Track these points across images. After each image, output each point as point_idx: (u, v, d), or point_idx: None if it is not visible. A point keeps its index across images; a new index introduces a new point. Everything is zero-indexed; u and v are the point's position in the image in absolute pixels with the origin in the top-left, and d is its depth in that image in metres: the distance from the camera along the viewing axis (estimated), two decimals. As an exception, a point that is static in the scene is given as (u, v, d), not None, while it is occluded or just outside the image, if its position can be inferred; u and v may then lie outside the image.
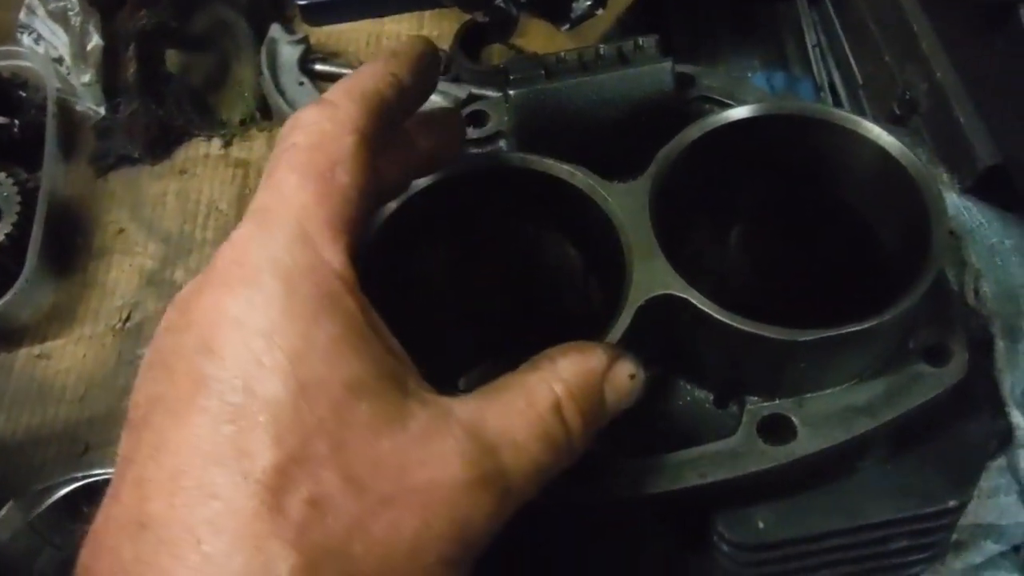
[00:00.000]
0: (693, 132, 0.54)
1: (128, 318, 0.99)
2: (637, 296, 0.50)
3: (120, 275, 1.02)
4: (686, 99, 0.65)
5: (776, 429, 0.53)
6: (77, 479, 0.78)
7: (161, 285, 1.00)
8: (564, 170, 0.56)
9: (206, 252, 1.02)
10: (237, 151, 1.09)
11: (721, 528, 0.57)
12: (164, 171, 1.08)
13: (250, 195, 1.06)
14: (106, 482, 0.78)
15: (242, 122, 1.09)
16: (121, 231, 1.05)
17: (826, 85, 1.05)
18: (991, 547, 0.75)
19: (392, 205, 0.54)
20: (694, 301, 0.49)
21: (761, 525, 0.56)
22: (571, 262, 0.67)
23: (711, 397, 0.55)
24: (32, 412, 0.94)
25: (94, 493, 0.79)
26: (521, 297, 0.69)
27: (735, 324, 0.48)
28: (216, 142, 1.09)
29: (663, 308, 0.50)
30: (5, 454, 0.91)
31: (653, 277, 0.50)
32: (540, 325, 0.68)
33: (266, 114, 1.09)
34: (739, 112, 0.54)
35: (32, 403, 0.94)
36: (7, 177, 0.98)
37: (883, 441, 0.57)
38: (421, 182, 0.55)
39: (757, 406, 0.53)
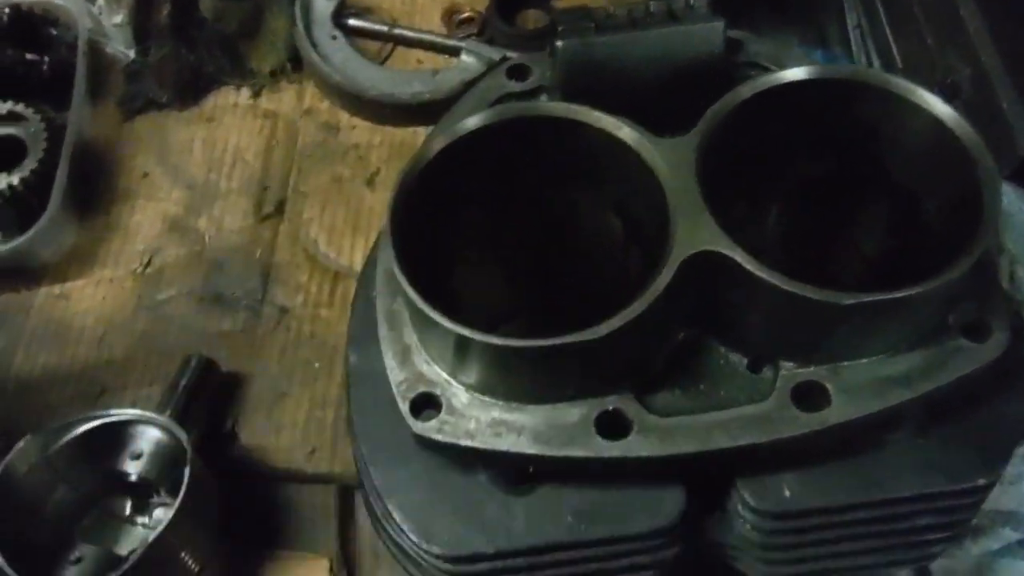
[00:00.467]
0: (745, 91, 0.53)
1: (149, 263, 0.98)
2: (681, 251, 0.49)
3: (143, 219, 1.01)
4: (734, 63, 0.64)
5: (810, 395, 0.52)
6: (94, 418, 0.78)
7: (184, 231, 1.00)
8: (611, 121, 0.55)
9: (231, 201, 1.01)
10: (266, 102, 1.08)
11: (745, 494, 0.56)
12: (192, 117, 1.07)
13: (277, 147, 1.05)
14: (122, 424, 0.78)
15: (272, 73, 1.08)
16: (146, 175, 1.04)
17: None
18: (1009, 534, 0.75)
19: (437, 146, 0.53)
20: (739, 259, 0.48)
21: (787, 493, 0.56)
22: (612, 231, 0.66)
23: (745, 361, 0.55)
24: (50, 352, 0.93)
25: (111, 434, 0.79)
26: (559, 261, 0.69)
27: (779, 284, 0.47)
28: (245, 92, 1.08)
29: (706, 265, 0.50)
30: (22, 392, 0.91)
31: (698, 233, 0.50)
32: (577, 288, 0.68)
33: (297, 66, 1.08)
34: (794, 73, 0.53)
35: (50, 343, 0.94)
36: (35, 113, 0.98)
37: (915, 415, 0.56)
38: (468, 123, 0.54)
39: (792, 372, 0.53)
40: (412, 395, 0.54)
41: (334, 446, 0.85)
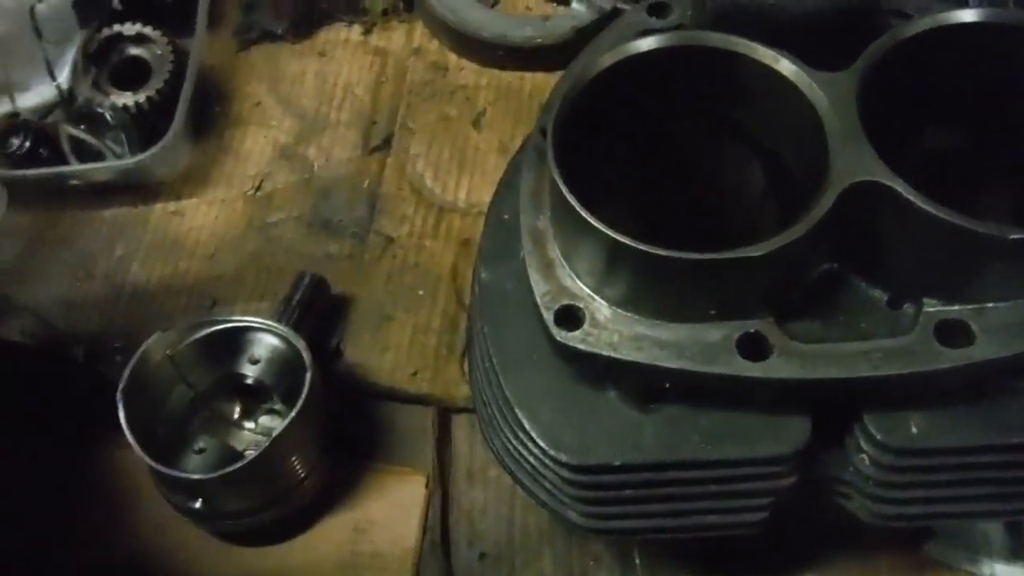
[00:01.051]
0: (909, 29, 0.54)
1: (260, 187, 1.01)
2: (841, 181, 0.50)
3: (254, 146, 1.04)
4: (882, 9, 0.64)
5: (953, 333, 0.53)
6: (217, 322, 0.81)
7: (293, 159, 1.03)
8: (769, 54, 0.56)
9: (339, 133, 1.04)
10: (376, 39, 1.10)
11: (872, 428, 0.57)
12: (304, 51, 1.10)
13: (386, 83, 1.08)
14: (242, 329, 0.82)
15: (384, 11, 1.10)
16: (258, 104, 1.07)
17: None
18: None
19: (606, 61, 0.54)
20: (900, 189, 0.49)
21: (914, 430, 0.57)
22: (753, 184, 0.67)
23: (886, 297, 0.56)
24: (165, 264, 0.97)
25: (231, 338, 0.82)
26: (691, 208, 0.69)
27: (942, 215, 0.48)
28: (357, 28, 1.10)
29: (864, 196, 0.51)
30: (138, 299, 0.95)
31: (858, 164, 0.51)
32: (701, 238, 0.69)
33: (408, 6, 1.10)
34: (963, 15, 0.53)
35: (165, 255, 0.97)
36: (162, 36, 1.01)
37: (1048, 365, 0.57)
38: (638, 45, 0.55)
39: (936, 309, 0.54)
40: (556, 306, 0.56)
41: (436, 370, 0.88)
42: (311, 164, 1.03)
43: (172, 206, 1.01)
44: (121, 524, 0.85)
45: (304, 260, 0.96)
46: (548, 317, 0.56)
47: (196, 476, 0.72)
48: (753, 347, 0.54)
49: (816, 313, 0.56)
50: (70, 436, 0.87)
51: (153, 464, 0.72)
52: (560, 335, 0.55)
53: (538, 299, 0.57)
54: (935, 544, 0.78)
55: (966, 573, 0.78)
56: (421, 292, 0.93)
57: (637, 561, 0.81)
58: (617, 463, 0.58)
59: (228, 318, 0.81)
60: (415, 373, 0.88)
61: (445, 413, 0.88)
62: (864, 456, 0.59)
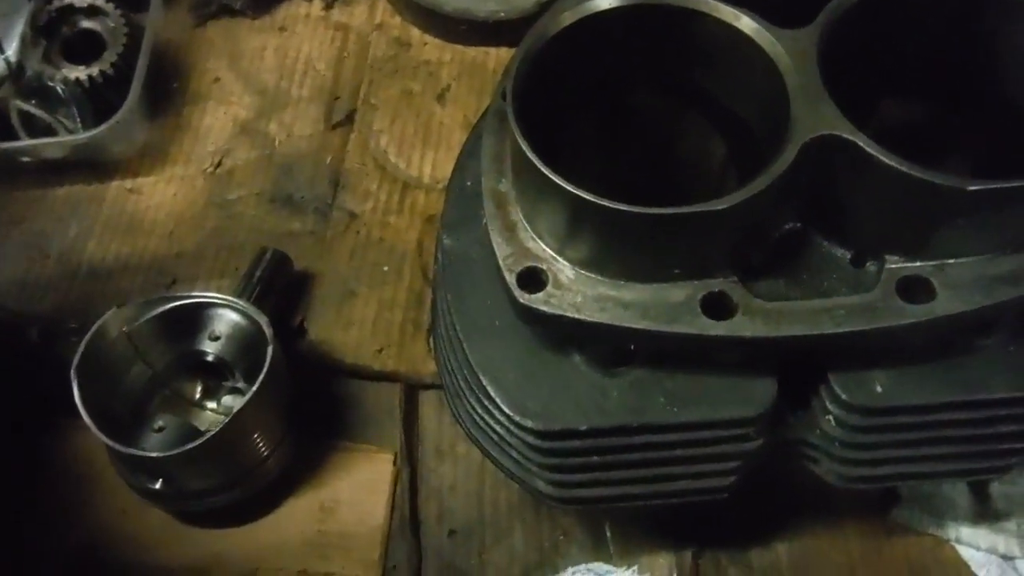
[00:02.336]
0: (868, -15, 0.53)
1: (220, 164, 0.99)
2: (802, 135, 0.50)
3: (214, 122, 1.02)
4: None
5: (915, 289, 0.53)
6: (176, 298, 0.79)
7: (254, 135, 1.00)
8: (729, 12, 0.55)
9: (301, 109, 1.02)
10: (338, 14, 1.08)
11: (837, 388, 0.57)
12: (264, 26, 1.07)
13: (348, 59, 1.06)
14: (202, 305, 0.80)
15: (345, -14, 1.08)
16: (217, 80, 1.04)
17: None
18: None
19: (566, 19, 0.53)
20: (861, 143, 0.49)
21: (878, 389, 0.57)
22: (713, 154, 0.67)
23: (848, 255, 0.56)
24: (122, 242, 0.95)
25: (190, 315, 0.80)
26: (652, 177, 0.69)
27: (903, 168, 0.48)
28: (317, 3, 1.08)
29: (825, 150, 0.50)
30: (94, 278, 0.93)
31: (819, 119, 0.50)
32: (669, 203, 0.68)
33: (370, -20, 1.09)
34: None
35: (122, 233, 0.95)
36: (115, 8, 0.98)
37: (1009, 322, 0.57)
38: (598, 3, 0.54)
39: (898, 266, 0.54)
40: (519, 269, 0.55)
41: (402, 346, 0.87)
42: (272, 140, 1.01)
43: (129, 183, 0.98)
44: (80, 509, 0.82)
45: (266, 237, 0.93)
46: (511, 280, 0.55)
47: (155, 454, 0.70)
48: (717, 306, 0.53)
49: (780, 272, 0.56)
50: (25, 419, 0.85)
51: (110, 443, 0.70)
52: (523, 297, 0.54)
53: (501, 262, 0.56)
54: (901, 509, 0.79)
55: (932, 537, 0.78)
56: (386, 268, 0.91)
57: (608, 533, 0.80)
58: (583, 428, 0.57)
59: (187, 294, 0.79)
60: (380, 350, 0.87)
61: (412, 390, 0.86)
62: (830, 417, 0.59)
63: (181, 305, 0.78)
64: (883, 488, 0.77)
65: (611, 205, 0.48)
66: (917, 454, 0.61)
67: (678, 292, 0.54)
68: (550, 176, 0.49)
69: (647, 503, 0.64)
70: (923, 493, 0.78)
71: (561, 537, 0.80)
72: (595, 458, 0.60)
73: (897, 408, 0.56)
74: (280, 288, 0.86)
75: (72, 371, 0.71)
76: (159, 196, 0.98)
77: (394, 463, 0.82)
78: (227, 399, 0.84)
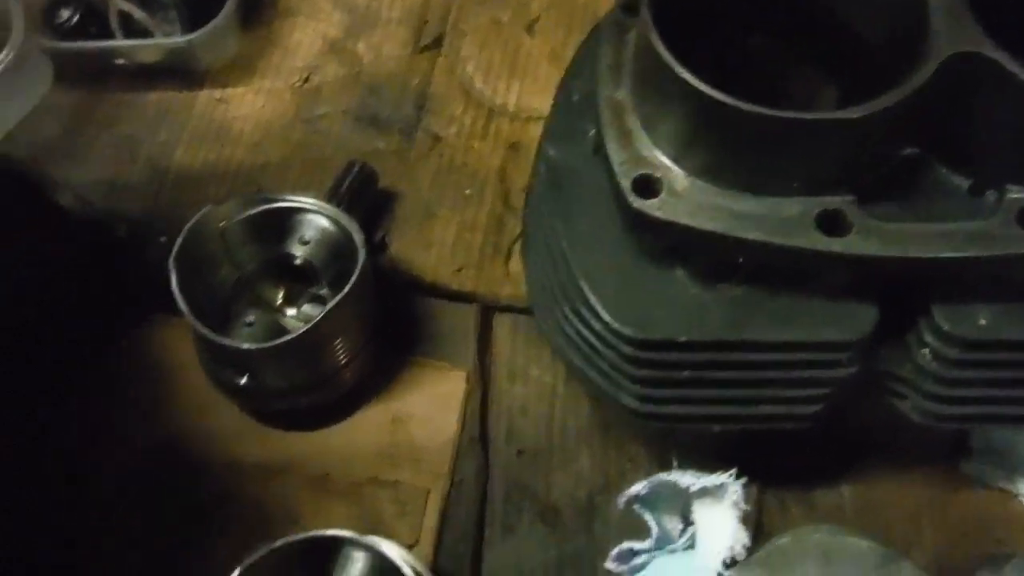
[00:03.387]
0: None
1: (307, 79, 1.00)
2: (941, 52, 0.49)
3: (303, 38, 1.03)
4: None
5: (1036, 220, 0.53)
6: (269, 200, 0.80)
7: (342, 54, 1.01)
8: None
9: (390, 30, 1.02)
10: (430, -61, 1.09)
11: (939, 319, 0.57)
12: (356, -55, 1.08)
13: (438, -17, 1.06)
14: (293, 210, 0.81)
15: (440, -88, 1.08)
16: (308, -4, 1.06)
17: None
18: None
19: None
20: (1004, 63, 0.48)
21: (982, 322, 0.57)
22: (822, 102, 0.66)
23: (967, 184, 0.55)
24: (209, 149, 0.96)
25: (281, 218, 0.81)
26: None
27: (1046, 89, 0.47)
28: (411, -73, 1.09)
29: (963, 69, 0.50)
30: (182, 182, 0.95)
31: (960, 35, 0.50)
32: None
33: (464, -92, 1.08)
34: None
35: (210, 141, 0.96)
36: (211, -84, 0.99)
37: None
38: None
39: (1019, 196, 0.53)
40: (634, 175, 0.56)
41: (480, 268, 0.88)
42: (360, 59, 1.01)
43: (218, 93, 1.00)
44: (160, 405, 0.84)
45: (351, 153, 0.94)
46: (625, 185, 0.55)
47: (246, 346, 0.72)
48: (832, 223, 0.53)
49: (894, 197, 0.55)
50: (110, 315, 0.88)
51: (204, 333, 0.71)
52: (637, 202, 0.55)
53: (616, 168, 0.56)
54: (971, 462, 0.79)
55: (1001, 491, 0.78)
56: (468, 191, 0.92)
57: (675, 463, 0.81)
58: (681, 339, 0.58)
59: (282, 196, 0.80)
60: (459, 270, 0.88)
61: (488, 311, 0.87)
62: (926, 350, 0.59)
63: (275, 208, 0.79)
64: (955, 439, 0.77)
65: (749, 108, 0.48)
66: (1011, 395, 0.61)
67: (793, 207, 0.54)
68: (687, 77, 0.49)
69: (728, 426, 0.65)
70: (996, 447, 0.78)
71: (628, 464, 0.81)
72: (686, 373, 0.60)
73: (1000, 343, 0.56)
74: (366, 202, 0.87)
75: (171, 260, 0.73)
76: (247, 107, 0.99)
77: (467, 381, 0.84)
78: (306, 307, 0.86)
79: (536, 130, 0.95)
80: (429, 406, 0.83)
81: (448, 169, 0.93)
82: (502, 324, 0.87)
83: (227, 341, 0.71)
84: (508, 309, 0.87)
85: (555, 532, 0.78)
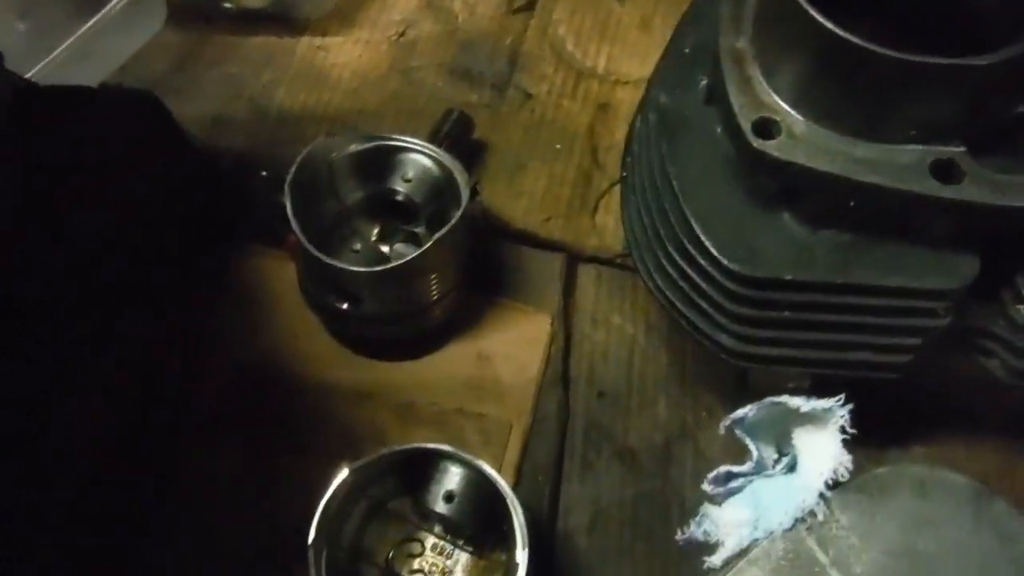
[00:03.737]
0: None
1: (403, 33, 1.04)
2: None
3: (399, -7, 1.07)
4: None
5: None
6: (375, 139, 0.83)
7: (438, 10, 1.05)
8: None
9: (486, -11, 1.06)
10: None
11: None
12: (455, -94, 1.11)
13: (534, -52, 1.09)
14: (398, 149, 0.84)
15: None
16: (405, -47, 1.09)
17: None
18: None
19: None
20: None
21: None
22: None
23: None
24: (309, 93, 1.00)
25: (386, 157, 0.85)
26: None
27: None
28: None
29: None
30: (283, 122, 0.99)
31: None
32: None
33: None
34: None
35: (310, 85, 1.01)
36: None
37: None
38: None
39: None
40: (754, 117, 0.58)
41: (568, 218, 0.91)
42: (455, 16, 1.05)
43: (318, 41, 1.04)
44: (257, 329, 0.88)
45: (444, 104, 0.97)
46: (745, 126, 0.58)
47: (357, 269, 0.75)
48: (945, 171, 0.56)
49: (1006, 152, 0.58)
50: (213, 242, 0.92)
51: (317, 255, 0.75)
52: (757, 142, 0.57)
53: (736, 110, 0.59)
54: (1042, 433, 0.81)
55: (1069, 463, 0.80)
56: (558, 146, 0.95)
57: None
58: (787, 278, 0.60)
59: (388, 136, 0.84)
60: (548, 219, 0.91)
61: (573, 261, 0.91)
62: (1022, 307, 0.62)
63: (381, 145, 0.83)
64: (1027, 408, 0.79)
65: (879, 49, 0.50)
66: (1101, 355, 0.63)
67: (908, 154, 0.56)
68: (817, 17, 0.52)
69: (818, 371, 0.68)
70: (1068, 418, 0.80)
71: (703, 414, 0.84)
72: (787, 314, 0.63)
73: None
74: (462, 148, 0.90)
75: (287, 184, 0.77)
76: (345, 56, 1.03)
77: (551, 324, 0.87)
78: (399, 246, 0.89)
79: (623, 93, 0.99)
80: (514, 346, 0.87)
81: (539, 124, 0.97)
82: (586, 273, 0.90)
83: (339, 263, 0.75)
84: (593, 260, 0.90)
85: (631, 472, 0.81)
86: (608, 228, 0.91)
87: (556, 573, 0.77)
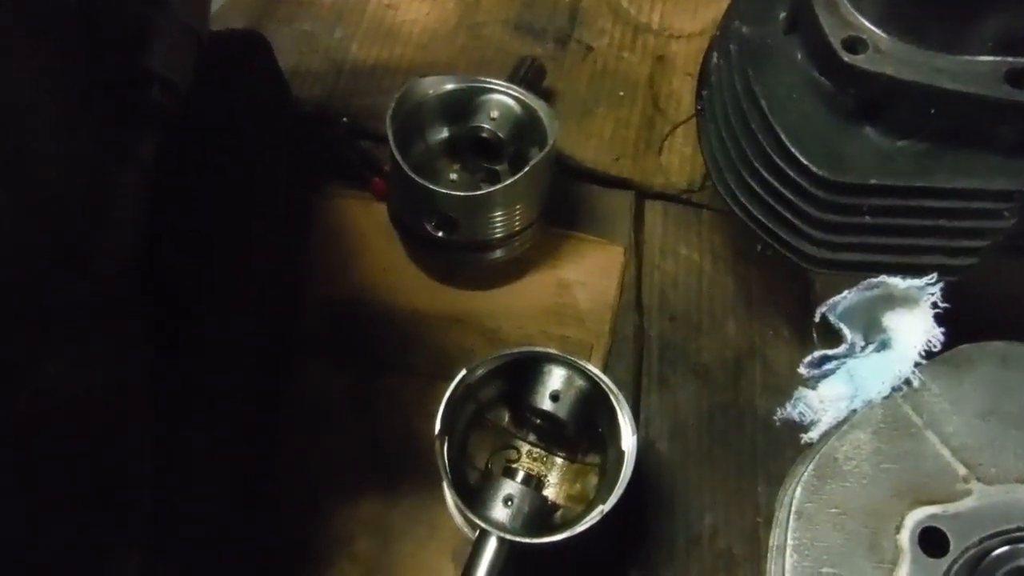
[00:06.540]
0: None
1: (482, -7, 1.10)
2: None
3: (463, -45, 1.13)
4: None
5: None
6: (465, 80, 0.87)
7: (502, -27, 1.11)
8: None
9: (544, -48, 1.12)
10: None
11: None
12: None
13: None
14: (483, 89, 0.89)
15: None
16: (466, -81, 1.15)
17: None
18: None
19: None
20: None
21: None
22: None
23: None
24: (381, 47, 1.06)
25: (471, 98, 0.90)
26: None
27: None
28: None
29: None
30: (357, 73, 1.04)
31: None
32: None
33: None
34: None
35: (381, 40, 1.06)
36: None
37: None
38: None
39: None
40: (843, 36, 0.65)
41: (635, 158, 0.97)
42: (511, -17, 1.11)
43: (386, 0, 1.10)
44: (347, 264, 0.94)
45: (512, 57, 1.03)
46: (836, 44, 0.64)
47: (458, 193, 0.81)
48: (1019, 78, 0.62)
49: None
50: (301, 187, 0.97)
51: (416, 178, 0.80)
52: (848, 57, 0.64)
53: (826, 29, 0.65)
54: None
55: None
56: (621, 93, 1.01)
57: (814, 335, 0.90)
58: (871, 182, 0.67)
59: (472, 78, 0.89)
60: (616, 159, 0.97)
61: (641, 197, 0.97)
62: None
63: (469, 87, 0.88)
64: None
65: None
66: None
67: (985, 65, 0.63)
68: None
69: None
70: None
71: (771, 334, 0.90)
72: (867, 219, 0.70)
73: None
74: (536, 93, 0.96)
75: (388, 119, 0.82)
76: (414, 13, 1.08)
77: (624, 254, 0.93)
78: (481, 184, 0.95)
79: (678, 47, 1.05)
80: (591, 274, 0.93)
81: (601, 74, 1.03)
82: (653, 209, 0.97)
83: (439, 188, 0.80)
84: (659, 196, 0.97)
85: (706, 386, 0.88)
86: (673, 167, 0.97)
87: (642, 476, 0.83)
